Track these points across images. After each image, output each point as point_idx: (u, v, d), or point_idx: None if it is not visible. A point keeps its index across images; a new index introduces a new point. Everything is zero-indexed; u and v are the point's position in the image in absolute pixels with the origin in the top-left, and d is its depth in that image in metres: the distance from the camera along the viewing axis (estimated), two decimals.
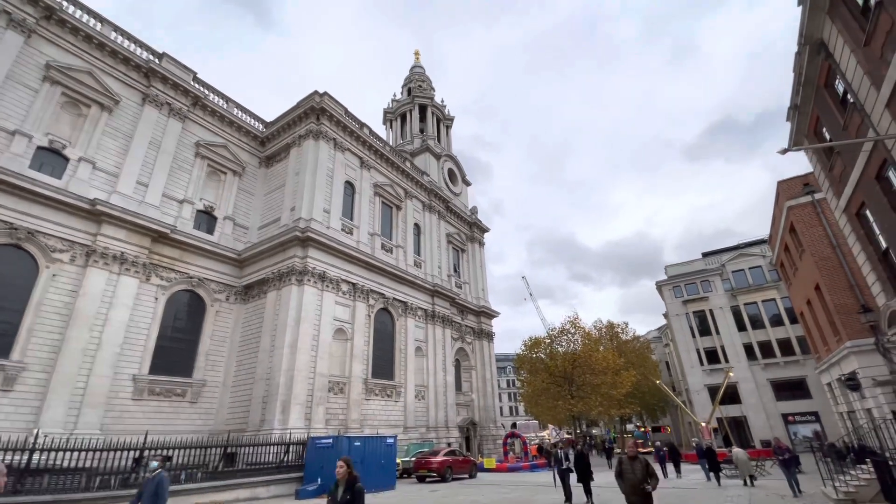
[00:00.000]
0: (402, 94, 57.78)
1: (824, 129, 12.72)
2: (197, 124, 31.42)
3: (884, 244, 11.15)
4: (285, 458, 16.15)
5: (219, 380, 27.73)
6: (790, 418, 35.31)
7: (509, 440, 31.86)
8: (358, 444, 15.89)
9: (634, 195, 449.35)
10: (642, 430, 56.33)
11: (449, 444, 34.52)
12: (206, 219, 30.26)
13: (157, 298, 25.84)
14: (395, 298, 33.93)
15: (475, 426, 39.85)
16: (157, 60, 29.69)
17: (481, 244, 51.63)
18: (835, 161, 12.22)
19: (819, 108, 12.30)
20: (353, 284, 30.41)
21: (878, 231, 11.21)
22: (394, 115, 55.35)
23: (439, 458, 19.88)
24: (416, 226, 40.61)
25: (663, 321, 65.03)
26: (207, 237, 29.16)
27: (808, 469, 19.12)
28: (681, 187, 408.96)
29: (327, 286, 28.22)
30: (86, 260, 23.16)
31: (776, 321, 38.13)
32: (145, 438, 14.20)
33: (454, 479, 20.85)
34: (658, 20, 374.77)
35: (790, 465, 14.48)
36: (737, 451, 17.26)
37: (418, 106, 53.84)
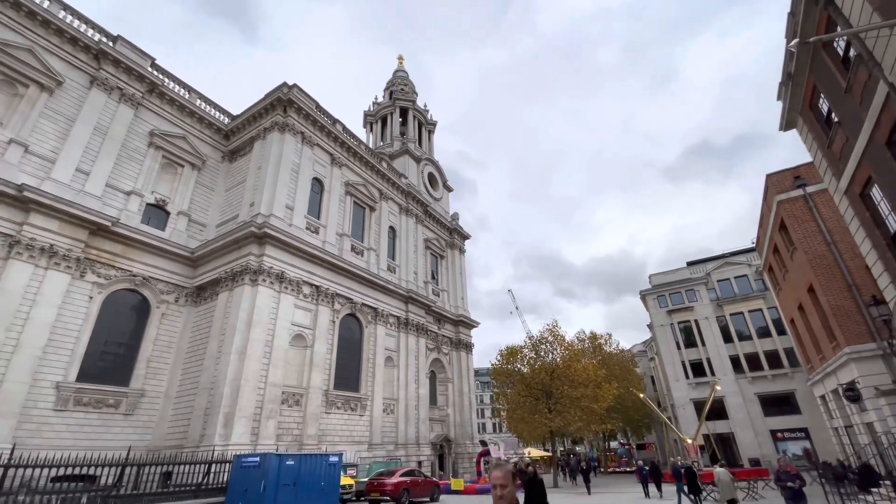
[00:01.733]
0: (384, 97, 56.40)
1: (821, 100, 11.26)
2: (153, 112, 29.30)
3: (893, 226, 9.55)
4: (205, 480, 13.72)
5: (161, 390, 25.06)
6: (779, 435, 33.58)
7: (483, 458, 29.55)
8: (291, 463, 13.56)
9: (618, 214, 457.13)
10: (626, 447, 54.06)
11: (419, 463, 32.04)
12: (158, 213, 27.92)
13: (91, 297, 23.29)
14: (364, 304, 31.70)
15: (450, 443, 37.32)
16: (110, 43, 27.68)
17: (462, 251, 49.80)
18: (835, 134, 10.71)
19: (816, 74, 10.84)
20: (317, 287, 28.17)
21: (886, 211, 9.63)
22: (374, 118, 53.82)
23: (394, 480, 17.50)
24: (392, 229, 38.65)
25: (647, 338, 63.58)
26: (157, 233, 26.78)
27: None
28: (662, 207, 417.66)
29: (286, 288, 25.94)
30: (7, 252, 20.64)
31: (763, 332, 36.70)
32: (11, 454, 11.72)
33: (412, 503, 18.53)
34: (638, 46, 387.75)
35: (798, 500, 10.54)
36: (719, 470, 15.27)
37: (399, 109, 52.44)
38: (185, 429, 23.13)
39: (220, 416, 21.41)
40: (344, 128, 35.34)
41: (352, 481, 19.42)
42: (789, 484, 10.36)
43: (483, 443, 72.75)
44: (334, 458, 15.09)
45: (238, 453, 15.65)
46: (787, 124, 13.11)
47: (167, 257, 26.98)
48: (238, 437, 21.26)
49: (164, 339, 26.09)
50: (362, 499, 18.01)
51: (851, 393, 14.15)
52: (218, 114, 33.49)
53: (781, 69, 12.14)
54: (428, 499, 19.57)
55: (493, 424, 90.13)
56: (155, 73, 29.30)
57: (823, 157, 11.75)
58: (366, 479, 21.83)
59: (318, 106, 33.10)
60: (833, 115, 10.86)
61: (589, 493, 17.20)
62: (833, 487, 16.85)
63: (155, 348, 25.48)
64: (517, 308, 60.77)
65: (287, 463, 13.52)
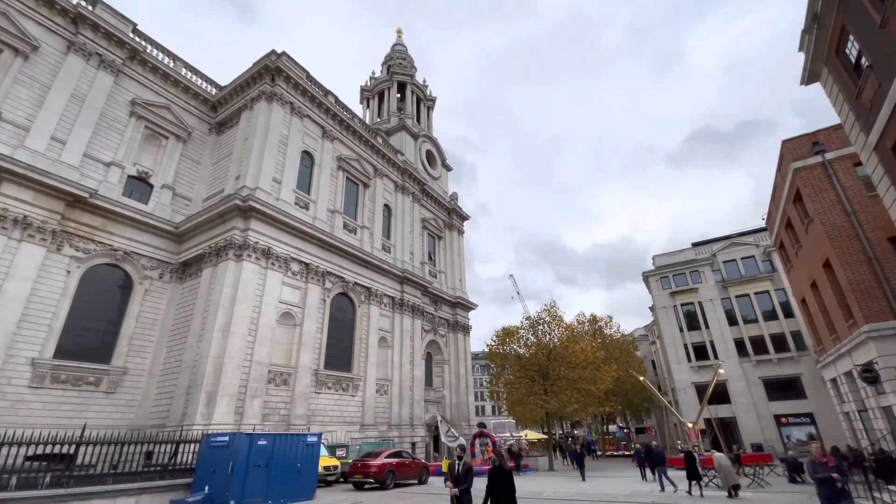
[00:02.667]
0: (381, 72, 54.54)
1: (850, 44, 9.91)
2: (134, 81, 28.00)
3: None
4: (172, 461, 12.91)
5: (144, 368, 24.35)
6: (783, 420, 32.69)
7: (477, 441, 28.91)
8: (263, 443, 12.70)
9: (620, 200, 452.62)
10: (625, 431, 53.59)
11: (413, 444, 31.49)
12: (140, 186, 26.84)
13: (69, 272, 22.38)
14: (356, 283, 30.74)
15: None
16: (89, 7, 26.25)
17: (460, 232, 48.61)
18: (865, 81, 9.40)
19: (845, 12, 9.47)
20: (306, 264, 27.18)
21: None
22: (371, 94, 52.13)
23: (379, 461, 16.69)
24: (387, 207, 37.45)
25: (648, 322, 62.56)
26: (139, 206, 25.75)
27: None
28: (665, 193, 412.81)
29: (272, 264, 24.96)
30: None
31: (770, 315, 35.51)
32: None
33: (398, 486, 17.74)
34: (642, 29, 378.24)
35: (839, 499, 7.87)
36: (718, 455, 14.35)
37: (397, 83, 50.70)
38: (169, 408, 22.46)
39: (202, 394, 20.67)
40: (336, 100, 33.91)
41: (338, 462, 18.68)
42: (834, 476, 7.86)
43: (482, 424, 72.77)
44: (312, 439, 14.24)
45: (209, 433, 14.83)
46: (809, 76, 11.75)
47: (150, 232, 26.01)
48: (221, 416, 20.53)
49: (148, 317, 25.29)
50: (347, 480, 17.27)
51: (869, 374, 13.09)
52: (205, 84, 32.11)
53: (805, 13, 10.75)
54: (416, 481, 18.84)
55: (494, 408, 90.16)
56: (137, 39, 27.88)
57: (850, 109, 10.45)
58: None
59: (308, 76, 31.64)
60: (863, 59, 9.55)
61: (583, 478, 16.33)
62: (849, 477, 15.91)
63: (138, 325, 24.69)
64: (518, 293, 59.93)
65: (259, 443, 12.67)
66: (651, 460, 17.41)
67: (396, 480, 17.52)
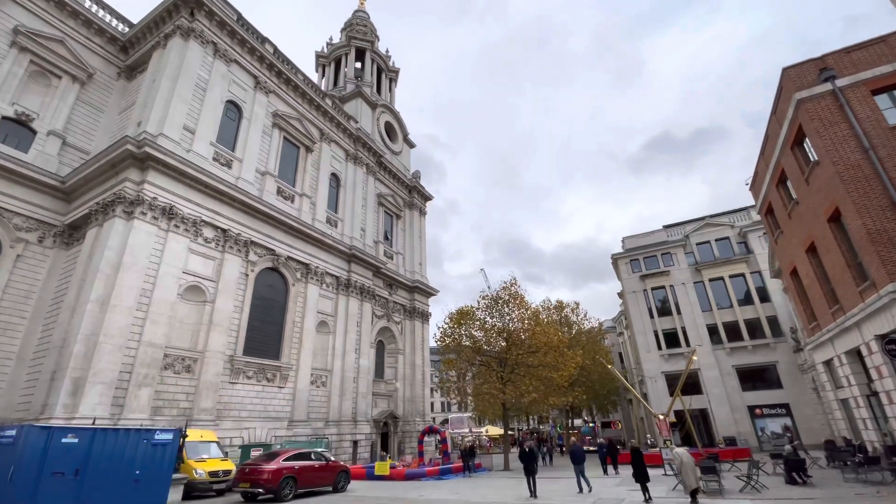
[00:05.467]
0: (340, 38, 50.04)
1: None
2: (19, 6, 23.17)
3: None
4: None
5: (12, 350, 19.71)
6: (757, 411, 30.62)
7: (426, 437, 25.43)
8: (72, 440, 8.71)
9: (585, 201, 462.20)
10: (591, 425, 51.19)
11: (355, 443, 27.74)
12: (18, 131, 22.04)
13: None
14: (290, 258, 26.61)
15: (396, 420, 33.07)
16: None
17: (422, 213, 44.91)
18: None
19: None
20: (224, 231, 22.91)
21: None
22: (327, 60, 47.66)
23: (273, 465, 12.73)
24: (335, 177, 33.37)
25: (615, 315, 60.65)
26: (14, 153, 20.93)
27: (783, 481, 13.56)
28: (628, 198, 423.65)
29: (176, 227, 20.62)
30: None
31: (745, 300, 33.44)
32: None
33: (305, 495, 13.90)
34: (605, 38, 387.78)
35: None
36: (678, 451, 11.25)
37: (355, 50, 46.46)
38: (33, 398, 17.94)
39: (67, 380, 16.35)
40: (276, 50, 29.56)
41: (232, 466, 14.69)
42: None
43: (446, 421, 69.42)
44: (164, 436, 10.29)
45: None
46: None
47: (28, 185, 21.27)
48: (90, 408, 16.23)
49: (21, 288, 20.58)
50: (234, 490, 13.32)
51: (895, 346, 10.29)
52: (115, 22, 27.26)
53: None
54: (330, 488, 15.00)
55: (460, 403, 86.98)
56: None
57: None
58: None
59: (240, 17, 27.23)
60: None
61: (531, 490, 12.95)
62: (852, 473, 13.23)
63: (6, 298, 20.00)
64: (489, 287, 56.61)
65: (64, 440, 8.66)
66: (572, 458, 15.55)
67: (301, 488, 13.67)
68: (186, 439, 14.68)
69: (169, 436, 10.39)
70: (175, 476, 11.58)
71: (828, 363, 16.55)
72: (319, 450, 18.10)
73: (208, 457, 14.55)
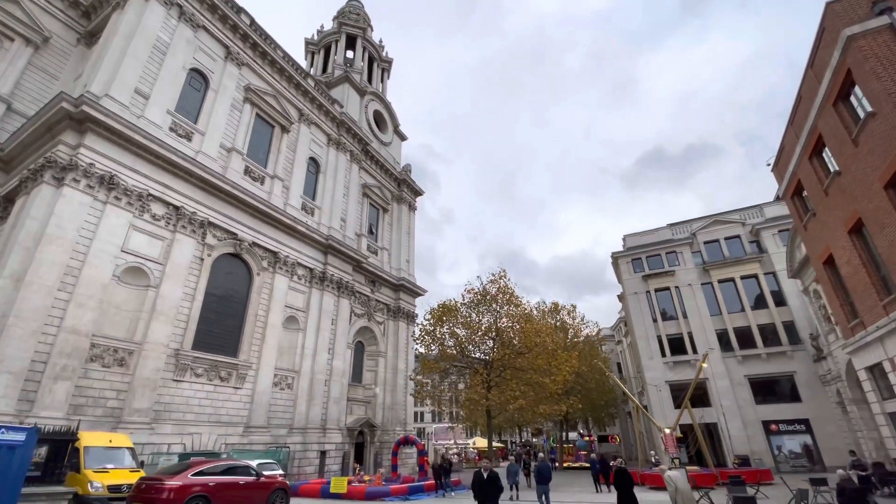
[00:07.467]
0: (332, 27, 47.98)
1: None
2: None
3: None
4: None
5: None
6: (772, 426, 27.70)
7: (403, 448, 22.44)
8: None
9: (581, 215, 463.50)
10: (587, 439, 47.86)
11: (323, 453, 24.86)
12: None
13: None
14: (256, 244, 23.98)
15: (374, 429, 30.11)
16: None
17: (412, 208, 42.38)
18: None
19: None
20: (177, 208, 20.31)
21: None
22: (316, 48, 45.55)
23: (176, 482, 9.87)
24: (314, 161, 30.90)
25: (614, 323, 57.67)
26: None
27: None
28: (622, 212, 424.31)
29: (117, 198, 18.03)
30: None
31: (758, 303, 30.74)
32: None
33: None
34: (601, 55, 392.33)
35: None
36: (672, 475, 8.65)
37: (346, 36, 44.34)
38: None
39: None
40: (253, 22, 27.26)
41: (135, 478, 11.81)
42: None
43: (423, 432, 65.75)
44: (11, 437, 7.58)
45: None
46: None
47: None
48: None
49: None
50: None
51: None
52: None
53: None
54: None
55: (452, 412, 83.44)
56: None
57: None
58: None
59: None
60: None
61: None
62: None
63: None
64: (479, 279, 53.96)
65: None
66: (537, 477, 14.10)
67: None
68: (88, 444, 11.98)
69: (19, 436, 7.69)
70: (47, 490, 8.89)
71: (872, 369, 13.87)
72: (265, 461, 15.28)
73: (114, 467, 11.74)
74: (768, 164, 17.93)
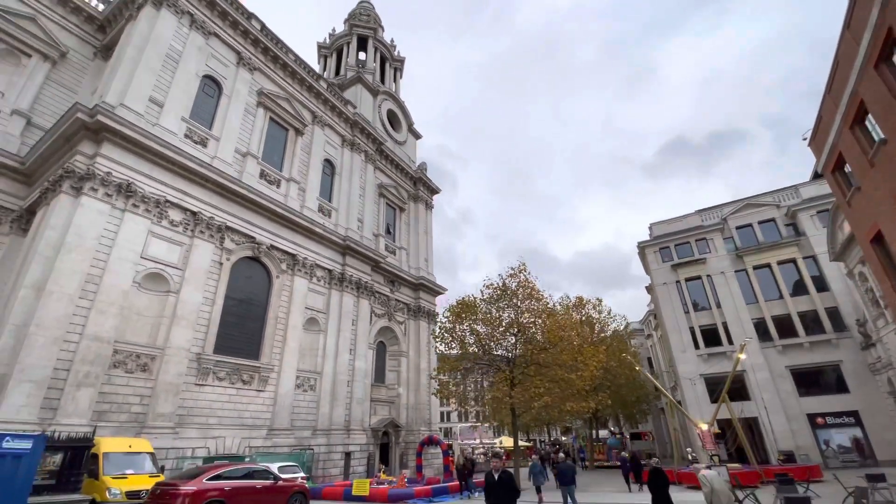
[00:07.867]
0: (344, 28, 48.17)
1: None
2: None
3: None
4: None
5: None
6: (818, 420, 25.98)
7: (428, 449, 22.02)
8: None
9: (602, 209, 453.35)
10: (618, 436, 46.39)
11: (348, 454, 24.67)
12: None
13: None
14: (274, 246, 24.04)
15: (398, 430, 29.86)
16: None
17: (429, 206, 42.01)
18: None
19: None
20: (194, 214, 20.47)
21: None
22: (329, 51, 45.77)
23: (191, 487, 9.73)
24: (329, 163, 30.88)
25: (642, 317, 55.78)
26: None
27: None
28: (644, 203, 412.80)
29: (135, 206, 18.26)
30: None
31: (798, 289, 28.96)
32: None
33: None
34: (615, 45, 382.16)
35: None
36: (708, 474, 7.86)
37: (357, 38, 44.40)
38: None
39: None
40: (264, 27, 27.42)
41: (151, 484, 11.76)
42: None
43: (450, 432, 65.26)
44: (18, 445, 7.48)
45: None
46: None
47: None
48: (14, 410, 13.76)
49: None
50: None
51: None
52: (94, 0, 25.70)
53: None
54: None
55: (479, 412, 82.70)
56: None
57: None
58: None
59: None
60: None
61: None
62: None
63: None
64: (499, 276, 53.18)
65: None
66: (559, 478, 13.99)
67: None
68: (107, 450, 11.98)
69: (25, 444, 7.58)
70: (59, 499, 8.81)
71: None
72: (287, 464, 15.10)
73: (134, 472, 11.71)
74: (804, 139, 16.70)
